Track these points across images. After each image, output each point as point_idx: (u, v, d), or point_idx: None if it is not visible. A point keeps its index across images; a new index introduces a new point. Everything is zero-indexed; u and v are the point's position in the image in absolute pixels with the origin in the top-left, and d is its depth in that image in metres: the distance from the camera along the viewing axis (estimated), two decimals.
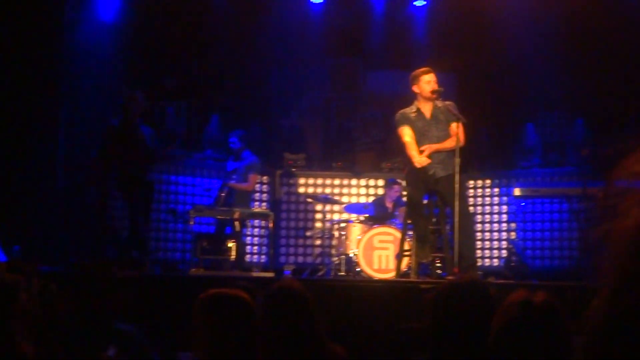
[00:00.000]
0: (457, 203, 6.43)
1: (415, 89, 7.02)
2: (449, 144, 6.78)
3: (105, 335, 3.73)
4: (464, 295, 2.87)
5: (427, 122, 6.93)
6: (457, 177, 6.47)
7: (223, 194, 9.38)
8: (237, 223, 8.59)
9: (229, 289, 3.05)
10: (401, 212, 9.36)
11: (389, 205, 10.12)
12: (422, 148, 6.83)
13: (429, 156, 6.82)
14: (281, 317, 3.40)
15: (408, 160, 7.03)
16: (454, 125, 6.76)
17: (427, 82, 6.93)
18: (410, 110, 7.02)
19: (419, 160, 6.73)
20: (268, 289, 3.76)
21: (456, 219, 6.40)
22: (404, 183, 9.01)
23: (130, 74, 10.12)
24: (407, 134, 6.94)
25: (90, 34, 9.58)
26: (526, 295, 2.37)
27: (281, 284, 3.80)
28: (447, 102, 6.92)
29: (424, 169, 6.81)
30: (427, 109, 6.98)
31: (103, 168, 7.94)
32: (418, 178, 6.82)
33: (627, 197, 1.36)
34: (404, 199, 8.92)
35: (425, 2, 11.97)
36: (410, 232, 7.16)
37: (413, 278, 6.89)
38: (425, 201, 6.99)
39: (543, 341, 2.27)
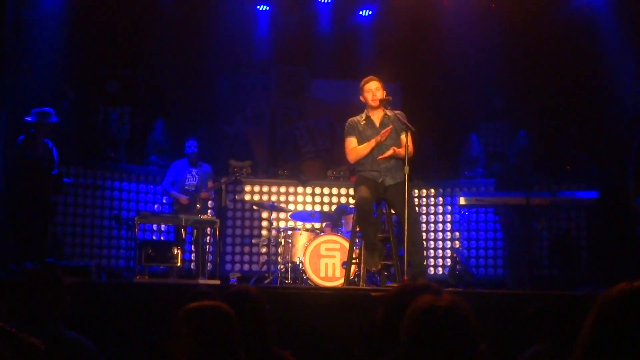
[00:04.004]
0: (406, 211, 6.44)
1: (361, 98, 7.04)
2: (401, 152, 6.78)
3: (53, 341, 3.64)
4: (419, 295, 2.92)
5: (376, 131, 6.91)
6: (407, 185, 6.49)
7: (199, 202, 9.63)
8: (183, 230, 8.49)
9: (209, 301, 3.09)
10: (348, 220, 9.36)
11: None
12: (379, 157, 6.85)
13: (378, 165, 6.84)
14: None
15: (357, 168, 7.05)
16: (403, 135, 6.75)
17: (367, 90, 6.95)
18: (360, 119, 7.02)
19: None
20: (225, 292, 3.73)
21: (405, 227, 6.41)
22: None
23: (73, 77, 9.90)
24: (352, 144, 6.96)
25: (33, 35, 9.31)
26: (431, 300, 2.46)
27: (239, 288, 3.79)
28: (397, 111, 6.93)
29: (372, 178, 6.83)
30: (376, 117, 6.99)
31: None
32: (367, 186, 6.82)
33: None
34: (352, 206, 8.93)
35: (370, 12, 12.07)
36: (359, 240, 7.15)
37: (362, 286, 6.89)
38: (374, 209, 7.00)
39: (449, 344, 2.35)
